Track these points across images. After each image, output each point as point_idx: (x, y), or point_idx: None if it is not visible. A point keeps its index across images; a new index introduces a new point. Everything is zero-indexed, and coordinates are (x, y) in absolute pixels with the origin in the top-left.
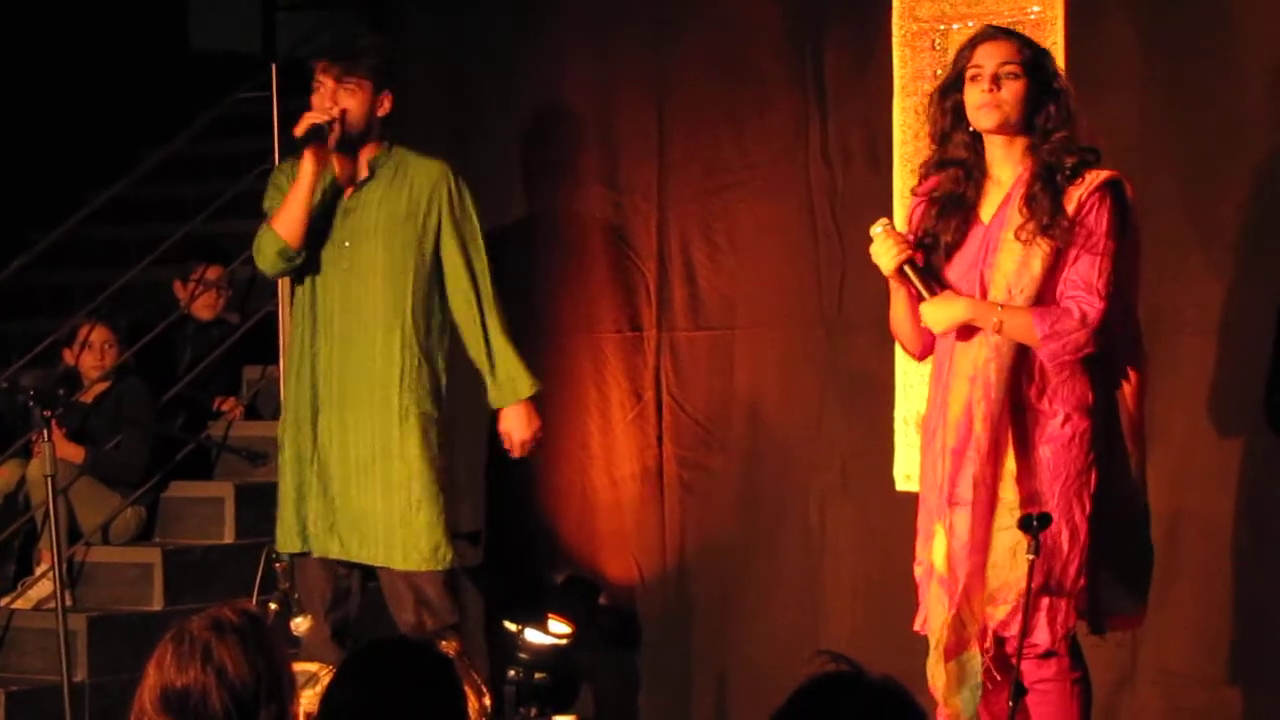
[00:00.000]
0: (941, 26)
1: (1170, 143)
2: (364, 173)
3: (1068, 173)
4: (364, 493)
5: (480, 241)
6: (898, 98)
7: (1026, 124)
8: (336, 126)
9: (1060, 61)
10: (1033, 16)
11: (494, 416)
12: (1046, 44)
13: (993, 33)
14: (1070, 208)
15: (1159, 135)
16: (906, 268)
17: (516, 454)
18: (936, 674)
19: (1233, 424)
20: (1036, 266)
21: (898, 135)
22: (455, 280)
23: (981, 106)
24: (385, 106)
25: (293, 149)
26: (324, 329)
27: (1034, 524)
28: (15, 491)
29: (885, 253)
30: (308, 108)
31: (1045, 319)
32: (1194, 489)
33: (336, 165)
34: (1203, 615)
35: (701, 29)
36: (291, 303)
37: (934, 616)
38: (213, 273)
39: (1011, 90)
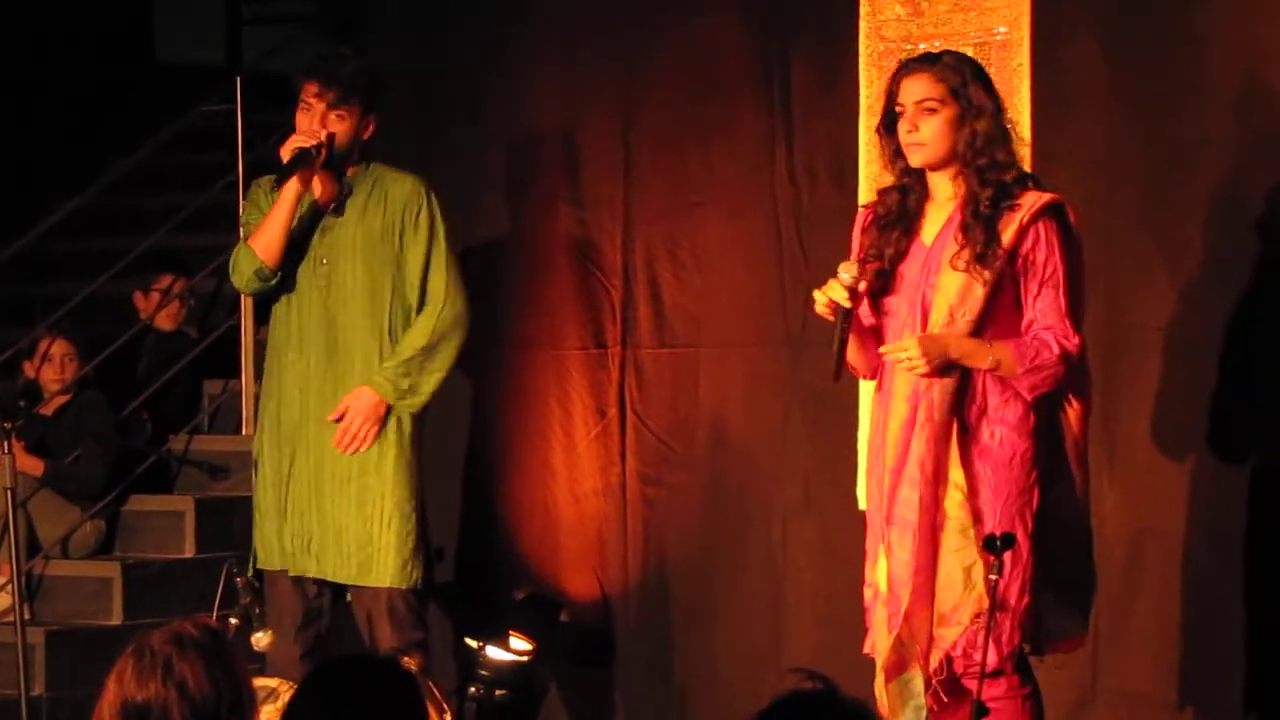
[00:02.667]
0: (908, 47)
1: (1135, 162)
2: (342, 191)
3: (987, 204)
4: (339, 509)
5: (444, 250)
6: (864, 117)
7: (957, 149)
8: (324, 151)
9: (1025, 82)
10: (999, 37)
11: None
12: (1012, 65)
13: (912, 67)
14: (1010, 232)
15: (1124, 155)
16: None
17: (339, 436)
18: (882, 695)
19: (1196, 445)
20: (979, 292)
21: (863, 155)
22: (413, 283)
23: (907, 146)
24: (369, 129)
25: (276, 172)
26: (301, 346)
27: (997, 544)
28: None
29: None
30: (289, 127)
31: (1026, 353)
32: (1156, 510)
33: (318, 185)
34: (1163, 636)
35: (668, 48)
36: (257, 318)
37: (880, 638)
38: (177, 285)
39: (930, 127)
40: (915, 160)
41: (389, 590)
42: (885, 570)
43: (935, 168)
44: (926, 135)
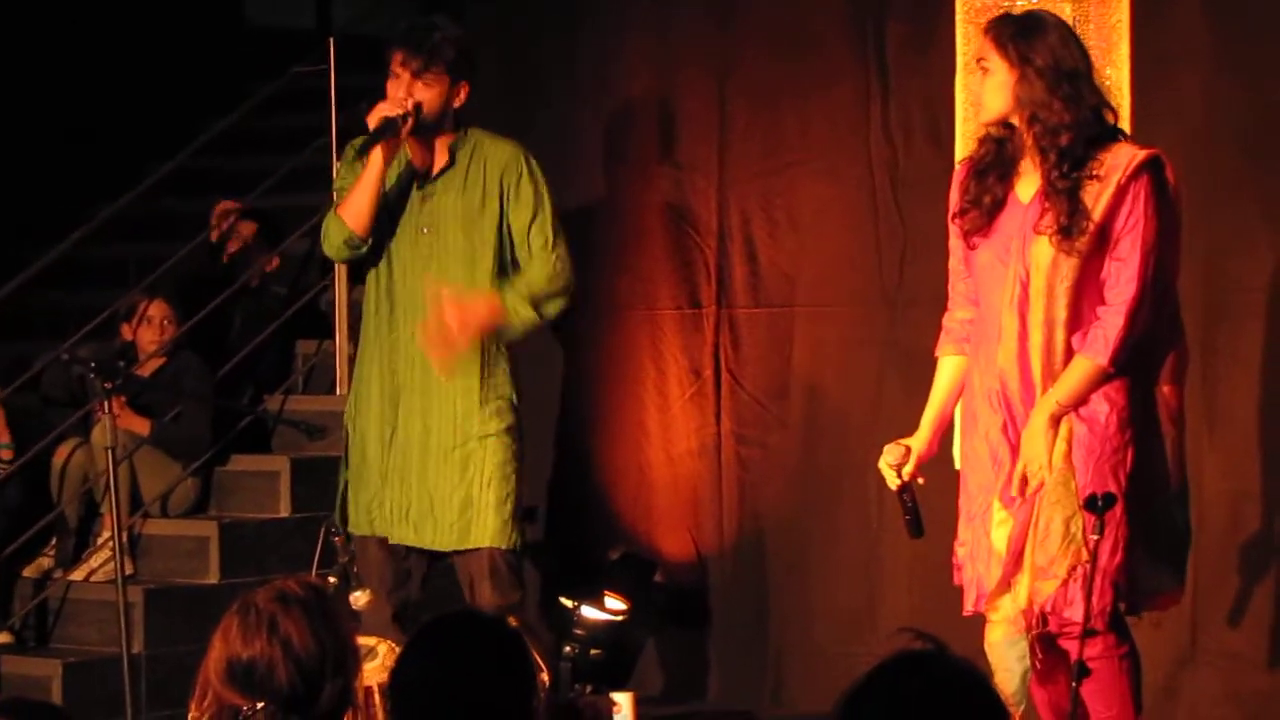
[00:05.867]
0: (1005, 3)
1: (1237, 122)
2: (442, 159)
3: (1058, 174)
4: (442, 478)
5: (549, 213)
6: (960, 75)
7: (1030, 114)
8: (410, 119)
9: (1125, 39)
10: None
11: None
12: (1111, 21)
13: (987, 25)
14: (1103, 203)
15: (1225, 114)
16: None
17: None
18: (995, 651)
19: None
20: (1072, 261)
21: (960, 113)
22: (520, 243)
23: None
24: (461, 97)
25: (364, 137)
26: (405, 315)
27: (1099, 504)
28: (68, 465)
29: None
30: (380, 93)
31: (1089, 349)
32: (1255, 471)
33: (412, 152)
34: (1263, 597)
35: (763, 6)
36: (350, 280)
37: (1005, 598)
38: (245, 228)
39: (983, 85)
40: (980, 117)
41: (490, 551)
42: (1009, 532)
43: (999, 123)
44: (981, 92)
